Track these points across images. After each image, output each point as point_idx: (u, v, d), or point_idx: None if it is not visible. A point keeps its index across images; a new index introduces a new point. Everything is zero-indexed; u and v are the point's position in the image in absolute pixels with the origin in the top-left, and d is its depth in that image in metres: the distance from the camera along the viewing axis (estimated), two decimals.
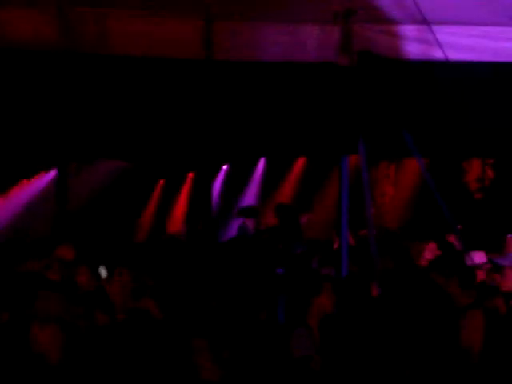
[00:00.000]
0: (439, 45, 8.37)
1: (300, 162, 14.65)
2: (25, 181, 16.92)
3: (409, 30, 8.66)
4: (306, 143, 9.88)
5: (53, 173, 16.99)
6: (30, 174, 16.85)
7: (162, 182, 18.38)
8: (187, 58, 8.96)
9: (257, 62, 9.05)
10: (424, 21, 8.16)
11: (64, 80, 8.94)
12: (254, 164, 15.70)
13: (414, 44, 8.65)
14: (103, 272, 7.87)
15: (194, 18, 8.76)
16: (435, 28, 8.37)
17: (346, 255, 8.54)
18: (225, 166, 16.10)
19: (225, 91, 9.21)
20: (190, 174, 17.41)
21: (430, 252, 9.39)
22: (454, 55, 8.49)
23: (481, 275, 8.03)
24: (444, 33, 8.48)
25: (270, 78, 9.27)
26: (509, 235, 10.44)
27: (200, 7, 8.54)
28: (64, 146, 9.64)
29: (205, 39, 8.73)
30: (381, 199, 12.49)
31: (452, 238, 9.65)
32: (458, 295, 6.15)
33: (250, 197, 15.60)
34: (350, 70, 8.69)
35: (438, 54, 8.48)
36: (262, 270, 8.21)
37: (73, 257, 8.23)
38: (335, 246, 9.69)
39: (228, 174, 16.08)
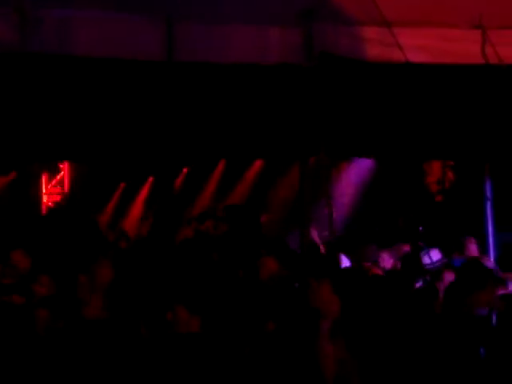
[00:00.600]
0: (399, 47, 8.41)
1: (257, 164, 14.65)
2: None
3: (370, 31, 8.69)
4: (267, 145, 9.87)
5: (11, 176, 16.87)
6: None
7: (122, 185, 18.33)
8: (149, 60, 8.89)
9: (218, 64, 9.01)
10: (385, 23, 8.20)
11: (21, 81, 8.84)
12: (215, 166, 15.66)
13: (374, 46, 8.68)
14: None
15: (155, 19, 8.69)
16: (396, 30, 8.41)
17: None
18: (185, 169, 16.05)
19: (186, 93, 9.17)
20: (150, 178, 17.37)
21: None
22: (414, 57, 8.54)
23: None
24: (404, 35, 8.52)
25: (231, 79, 9.25)
26: (467, 237, 10.50)
27: (162, 8, 8.50)
28: (24, 149, 9.53)
29: (166, 41, 8.67)
30: (341, 199, 12.53)
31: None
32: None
33: (204, 199, 15.59)
34: (312, 71, 8.70)
35: (398, 56, 8.52)
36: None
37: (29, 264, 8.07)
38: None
39: (188, 177, 16.02)
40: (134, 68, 8.98)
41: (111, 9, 8.57)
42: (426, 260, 8.75)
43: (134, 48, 8.78)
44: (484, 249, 10.37)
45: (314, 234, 9.69)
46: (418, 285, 8.35)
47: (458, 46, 8.70)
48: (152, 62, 8.87)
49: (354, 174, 12.77)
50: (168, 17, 8.63)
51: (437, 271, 8.22)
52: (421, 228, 10.80)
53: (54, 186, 18.94)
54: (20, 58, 8.65)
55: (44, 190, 18.89)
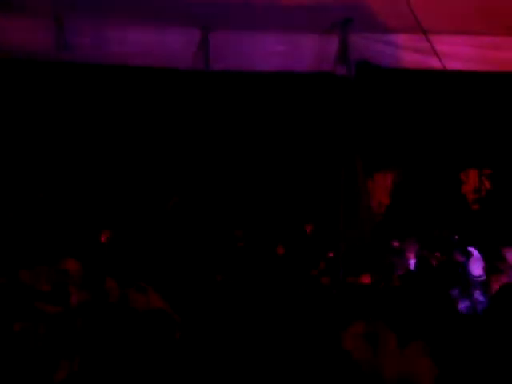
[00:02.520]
0: (436, 54, 8.36)
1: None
2: None
3: (406, 39, 8.65)
4: (304, 153, 9.87)
5: None
6: None
7: None
8: (184, 69, 8.93)
9: (254, 72, 9.03)
10: (421, 30, 8.14)
11: (57, 89, 8.93)
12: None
13: (411, 53, 8.64)
14: None
15: (191, 28, 8.73)
16: (432, 37, 8.36)
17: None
18: None
19: (221, 101, 9.20)
20: None
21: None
22: (452, 65, 8.48)
23: None
24: (441, 42, 8.47)
25: (267, 88, 9.26)
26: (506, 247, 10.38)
27: (196, 16, 8.53)
28: None
29: (201, 49, 8.70)
30: (378, 209, 12.46)
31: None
32: None
33: None
34: (348, 80, 8.68)
35: (435, 64, 8.46)
36: None
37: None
38: None
39: None
40: (172, 77, 9.03)
41: (149, 17, 8.61)
42: (475, 271, 8.64)
43: (171, 56, 8.83)
44: None
45: None
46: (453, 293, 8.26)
47: (495, 54, 8.62)
48: (189, 71, 8.90)
49: (390, 183, 12.70)
50: (203, 24, 8.65)
51: (484, 283, 8.11)
52: (456, 237, 10.71)
53: None
54: (56, 67, 8.74)
55: None
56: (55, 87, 8.96)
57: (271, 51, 8.79)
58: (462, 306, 7.81)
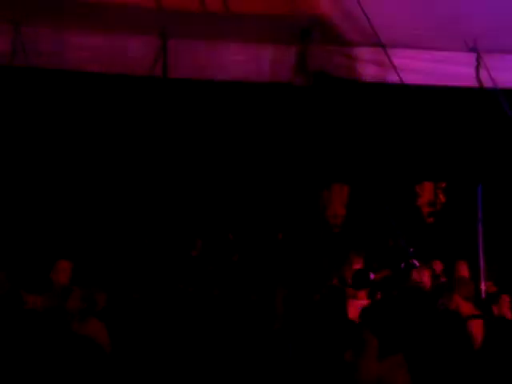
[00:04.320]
0: (394, 68, 8.40)
1: None
2: None
3: (364, 52, 8.69)
4: (258, 162, 9.86)
5: None
6: None
7: None
8: (142, 75, 8.87)
9: (212, 81, 9.00)
10: (380, 44, 8.19)
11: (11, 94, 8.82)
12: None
13: (369, 66, 8.69)
14: None
15: (150, 35, 8.67)
16: (391, 51, 8.40)
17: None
18: None
19: (179, 109, 9.14)
20: None
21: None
22: (409, 78, 8.53)
23: None
24: (399, 56, 8.52)
25: (225, 97, 9.24)
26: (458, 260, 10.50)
27: (156, 24, 8.48)
28: None
29: (160, 56, 8.66)
30: (334, 220, 12.51)
31: None
32: None
33: None
34: (306, 91, 8.69)
35: (392, 77, 8.51)
36: None
37: None
38: None
39: None
40: (129, 83, 8.96)
41: (106, 24, 8.54)
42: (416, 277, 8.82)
43: (128, 63, 8.77)
44: (475, 271, 10.34)
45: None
46: None
47: (452, 69, 8.70)
48: (146, 78, 8.84)
49: (346, 194, 12.76)
50: (162, 32, 8.61)
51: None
52: (412, 249, 10.78)
53: None
54: (13, 71, 8.62)
55: None
56: (11, 92, 8.83)
57: (230, 60, 8.77)
58: None
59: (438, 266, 10.01)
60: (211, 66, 8.85)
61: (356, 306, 7.40)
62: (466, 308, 7.24)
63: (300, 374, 5.33)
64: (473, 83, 8.68)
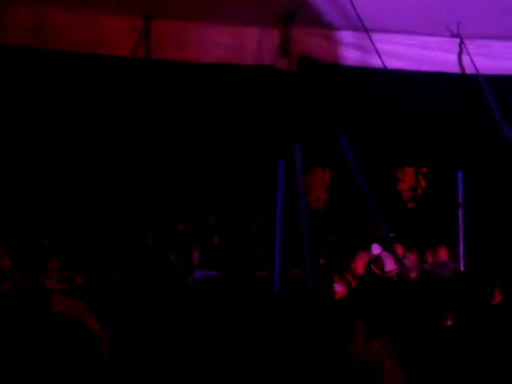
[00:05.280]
0: (377, 52, 8.41)
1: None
2: None
3: (348, 36, 8.69)
4: (241, 146, 9.82)
5: None
6: None
7: None
8: (124, 56, 8.81)
9: (195, 63, 8.96)
10: (364, 28, 8.19)
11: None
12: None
13: (352, 50, 8.69)
14: None
15: (131, 16, 8.62)
16: (374, 36, 8.41)
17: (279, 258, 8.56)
18: None
19: (161, 91, 9.09)
20: None
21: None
22: (392, 63, 8.55)
23: None
24: (383, 41, 8.53)
25: (207, 79, 9.19)
26: (439, 245, 10.57)
27: (138, 5, 8.43)
28: None
29: (143, 37, 8.60)
30: (315, 205, 12.52)
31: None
32: None
33: None
34: (289, 75, 8.67)
35: (376, 62, 8.52)
36: None
37: None
38: None
39: None
40: (111, 64, 8.90)
41: (87, 4, 8.47)
42: (388, 267, 8.91)
43: (110, 44, 8.71)
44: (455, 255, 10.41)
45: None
46: None
47: (435, 54, 8.73)
48: (128, 59, 8.79)
49: (328, 178, 12.78)
50: (145, 13, 8.55)
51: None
52: (392, 234, 10.84)
53: None
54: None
55: None
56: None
57: (214, 43, 8.73)
58: None
59: (399, 250, 10.09)
60: (194, 47, 8.81)
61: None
62: None
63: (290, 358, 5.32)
64: (455, 69, 8.71)
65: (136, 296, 5.87)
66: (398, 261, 9.05)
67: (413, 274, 9.56)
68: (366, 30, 8.24)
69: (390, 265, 9.08)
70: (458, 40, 8.71)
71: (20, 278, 7.37)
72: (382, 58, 8.36)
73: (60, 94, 8.93)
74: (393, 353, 3.37)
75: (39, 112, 9.11)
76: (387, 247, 9.44)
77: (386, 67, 8.42)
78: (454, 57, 8.75)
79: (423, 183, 12.58)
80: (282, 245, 8.51)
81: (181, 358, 4.90)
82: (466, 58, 8.73)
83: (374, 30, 8.35)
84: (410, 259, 10.04)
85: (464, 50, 8.73)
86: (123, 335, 5.50)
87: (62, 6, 8.38)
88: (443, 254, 10.22)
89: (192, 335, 5.33)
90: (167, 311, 5.71)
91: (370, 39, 8.29)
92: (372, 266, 9.17)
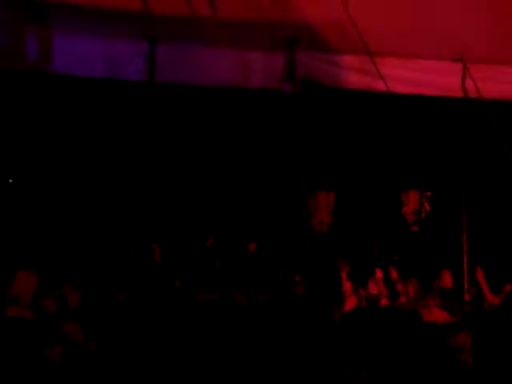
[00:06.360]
0: (381, 76, 8.45)
1: None
2: None
3: (352, 60, 8.74)
4: (246, 169, 9.88)
5: None
6: None
7: None
8: (130, 80, 8.89)
9: (200, 86, 9.02)
10: (367, 52, 8.24)
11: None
12: None
13: (356, 74, 8.73)
14: None
15: (138, 39, 8.69)
16: (378, 60, 8.45)
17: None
18: None
19: (167, 114, 9.16)
20: None
21: None
22: (396, 87, 8.58)
23: None
24: (387, 65, 8.57)
25: (213, 102, 9.26)
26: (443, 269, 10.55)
27: (144, 28, 8.50)
28: None
29: (148, 61, 8.67)
30: (319, 227, 12.53)
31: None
32: None
33: None
34: (294, 98, 8.73)
35: (379, 86, 8.56)
36: None
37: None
38: None
39: None
40: (117, 87, 8.97)
41: (95, 27, 8.55)
42: (372, 289, 8.96)
43: (117, 67, 8.78)
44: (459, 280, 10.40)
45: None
46: None
47: (439, 79, 8.76)
48: (133, 82, 8.86)
49: (332, 201, 12.78)
50: (151, 36, 8.63)
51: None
52: (396, 257, 10.84)
53: None
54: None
55: None
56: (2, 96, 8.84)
57: (219, 66, 8.79)
58: None
59: (394, 275, 10.07)
60: (199, 71, 8.87)
61: None
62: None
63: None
64: (458, 93, 8.74)
65: (143, 318, 5.86)
66: (389, 284, 9.09)
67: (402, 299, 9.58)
68: (370, 54, 8.29)
69: (373, 288, 9.16)
70: (462, 64, 8.74)
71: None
72: (386, 81, 8.39)
73: (66, 117, 9.02)
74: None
75: (48, 132, 9.20)
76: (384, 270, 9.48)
77: (389, 91, 8.45)
78: (457, 81, 8.78)
79: (427, 207, 12.58)
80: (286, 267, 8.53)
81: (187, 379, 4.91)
82: (469, 83, 8.76)
83: (378, 54, 8.39)
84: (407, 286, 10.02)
85: (467, 75, 8.76)
86: (130, 355, 5.51)
87: (68, 31, 8.46)
88: (447, 279, 10.19)
89: (199, 358, 5.34)
90: (174, 333, 5.74)
91: (374, 63, 8.32)
92: (359, 289, 9.26)
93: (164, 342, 5.32)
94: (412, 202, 12.59)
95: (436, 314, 7.74)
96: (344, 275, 9.72)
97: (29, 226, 9.93)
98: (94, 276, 8.25)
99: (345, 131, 9.25)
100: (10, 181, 10.36)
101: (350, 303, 9.20)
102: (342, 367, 3.42)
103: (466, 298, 10.07)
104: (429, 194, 12.38)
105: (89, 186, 10.09)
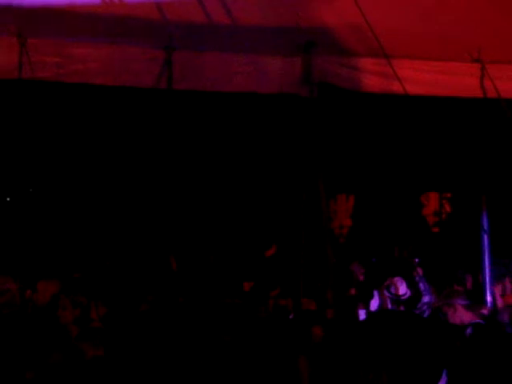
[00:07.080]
0: (398, 78, 8.43)
1: None
2: None
3: (369, 62, 8.72)
4: (264, 174, 9.88)
5: None
6: None
7: None
8: (147, 87, 8.90)
9: (217, 92, 9.04)
10: (384, 55, 8.22)
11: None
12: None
13: (373, 77, 8.71)
14: None
15: (154, 47, 8.70)
16: (395, 62, 8.43)
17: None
18: None
19: (185, 121, 9.18)
20: None
21: None
22: (413, 89, 8.56)
23: None
24: (404, 67, 8.55)
25: (230, 108, 9.27)
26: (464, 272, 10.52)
27: (160, 36, 8.51)
28: None
29: (165, 69, 8.68)
30: (339, 231, 12.52)
31: None
32: None
33: None
34: (311, 102, 8.72)
35: (397, 88, 8.54)
36: None
37: None
38: None
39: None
40: (134, 96, 9.00)
41: (110, 35, 8.57)
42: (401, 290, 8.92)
43: (132, 75, 8.79)
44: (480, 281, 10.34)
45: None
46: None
47: (456, 80, 8.73)
48: (150, 90, 8.87)
49: (352, 205, 12.77)
50: (167, 44, 8.64)
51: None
52: (417, 259, 10.80)
53: None
54: (18, 84, 8.65)
55: None
56: (16, 105, 8.87)
57: (235, 72, 8.80)
58: None
59: (416, 274, 10.03)
60: (216, 77, 8.88)
61: None
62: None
63: None
64: (477, 93, 8.70)
65: (166, 327, 5.90)
66: (413, 285, 9.04)
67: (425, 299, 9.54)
68: (387, 57, 8.27)
69: (402, 288, 9.09)
70: (480, 65, 8.71)
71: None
72: (403, 84, 8.37)
73: (85, 125, 9.05)
74: None
75: (65, 139, 9.24)
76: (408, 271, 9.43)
77: (407, 93, 8.43)
78: (475, 81, 8.74)
79: (448, 208, 12.54)
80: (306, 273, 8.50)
81: None
82: (487, 83, 8.72)
83: (395, 57, 8.37)
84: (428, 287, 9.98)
85: (486, 75, 8.72)
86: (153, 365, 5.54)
87: (84, 39, 8.47)
88: (468, 282, 10.17)
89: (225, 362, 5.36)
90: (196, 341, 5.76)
91: (391, 65, 8.31)
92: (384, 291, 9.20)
93: (188, 349, 5.33)
94: (432, 204, 12.56)
95: (461, 314, 7.72)
96: (362, 278, 9.70)
97: (51, 236, 9.99)
98: (116, 287, 8.28)
99: (363, 134, 9.23)
100: (30, 190, 10.44)
101: (373, 304, 9.19)
102: (364, 369, 3.40)
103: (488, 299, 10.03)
104: (449, 195, 12.35)
105: (109, 195, 10.14)
